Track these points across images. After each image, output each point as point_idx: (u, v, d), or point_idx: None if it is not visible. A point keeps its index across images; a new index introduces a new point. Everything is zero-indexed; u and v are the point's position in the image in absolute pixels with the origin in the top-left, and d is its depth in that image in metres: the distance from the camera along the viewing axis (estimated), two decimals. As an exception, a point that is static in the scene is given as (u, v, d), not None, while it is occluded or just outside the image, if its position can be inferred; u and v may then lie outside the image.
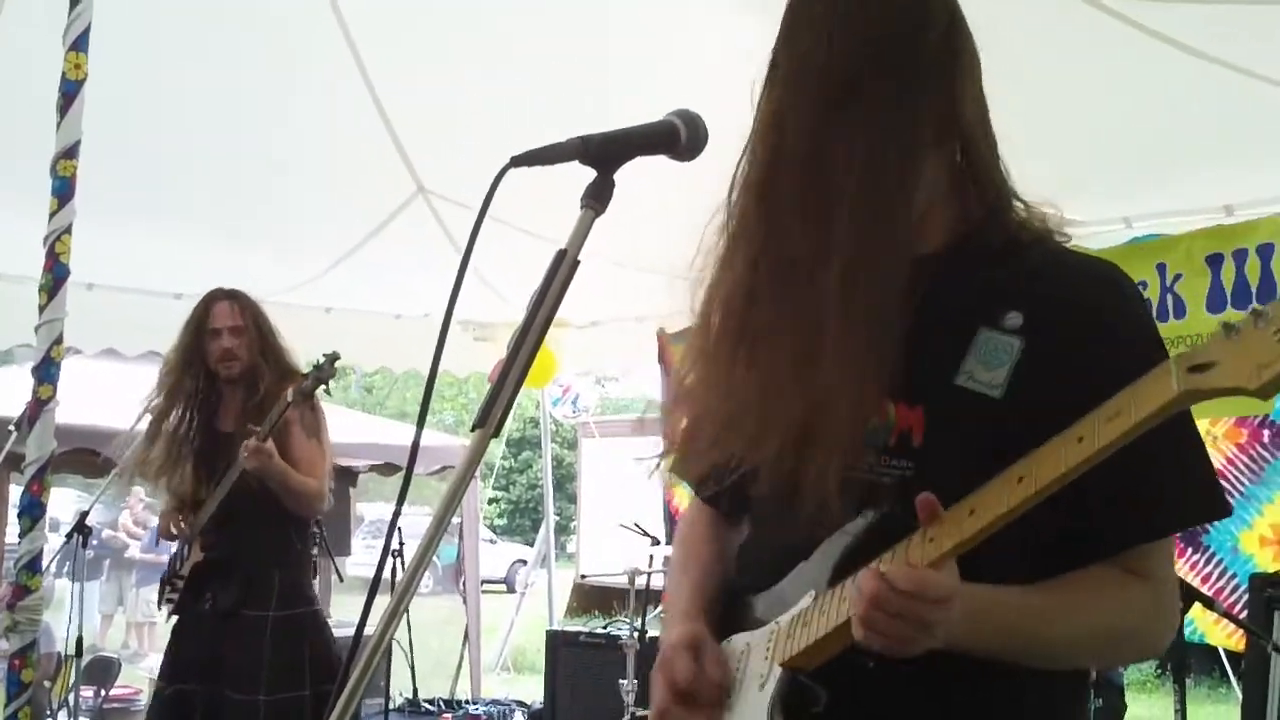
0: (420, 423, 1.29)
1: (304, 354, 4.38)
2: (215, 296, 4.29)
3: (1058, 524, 1.30)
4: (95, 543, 6.93)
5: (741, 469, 1.44)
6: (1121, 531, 1.32)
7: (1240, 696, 4.64)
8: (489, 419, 1.19)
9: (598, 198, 1.32)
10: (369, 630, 1.23)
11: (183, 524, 4.27)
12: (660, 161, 1.40)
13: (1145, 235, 4.93)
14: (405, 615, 1.16)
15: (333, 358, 4.09)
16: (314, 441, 4.22)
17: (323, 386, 4.10)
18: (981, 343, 1.35)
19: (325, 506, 4.33)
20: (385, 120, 5.05)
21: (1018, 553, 1.31)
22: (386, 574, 1.45)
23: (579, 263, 1.28)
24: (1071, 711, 1.43)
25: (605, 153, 1.33)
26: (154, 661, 5.95)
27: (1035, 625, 1.30)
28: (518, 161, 1.29)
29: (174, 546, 4.48)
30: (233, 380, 4.23)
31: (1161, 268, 4.73)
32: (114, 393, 5.56)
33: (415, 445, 1.31)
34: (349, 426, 9.38)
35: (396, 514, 1.26)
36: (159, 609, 4.56)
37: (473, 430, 1.21)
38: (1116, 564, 1.33)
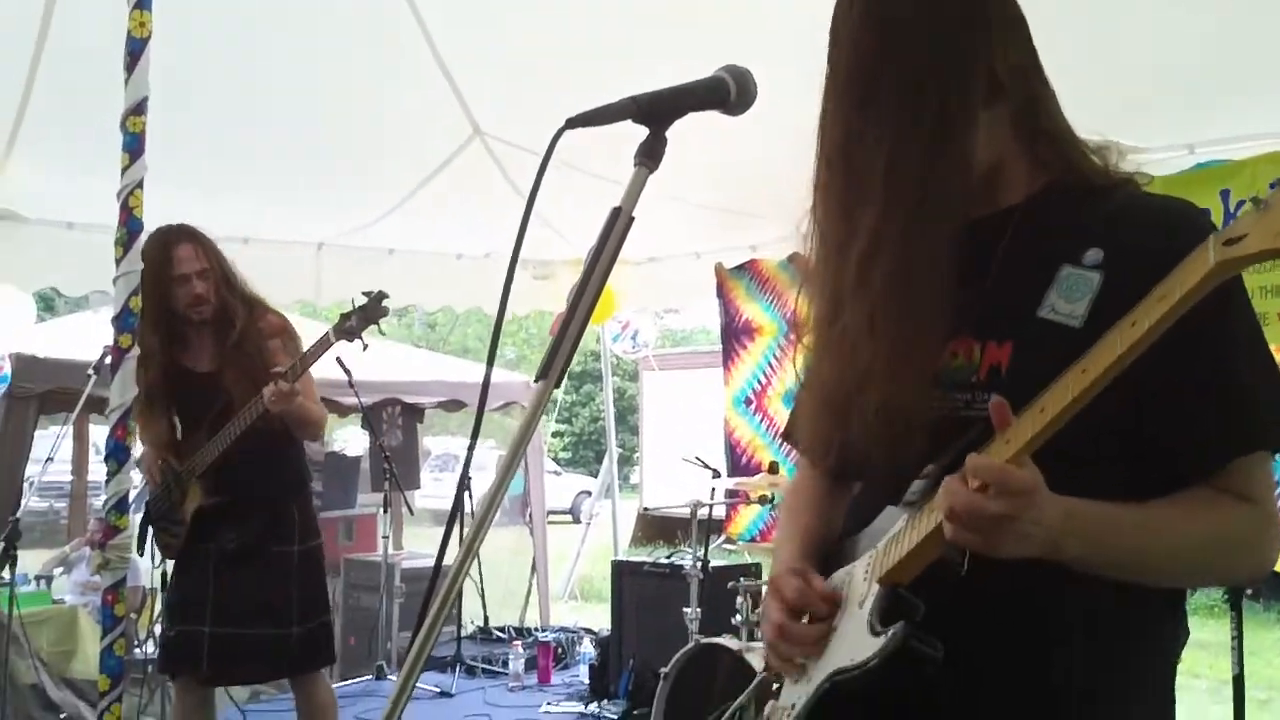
0: (489, 365, 1.36)
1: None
2: (172, 241, 4.00)
3: (1156, 449, 1.37)
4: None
5: (841, 439, 1.54)
6: (1217, 447, 1.36)
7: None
8: (550, 371, 1.26)
9: (651, 155, 1.36)
10: (447, 561, 1.33)
11: (176, 466, 4.14)
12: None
13: (1209, 161, 4.84)
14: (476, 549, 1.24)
15: (378, 296, 3.92)
16: None
17: (374, 325, 3.95)
18: (1063, 278, 1.41)
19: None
20: (441, 64, 5.08)
21: (1119, 476, 1.36)
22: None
23: (634, 219, 1.33)
24: (1162, 629, 1.46)
25: (656, 111, 1.37)
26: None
27: (1141, 536, 1.33)
28: (573, 123, 1.33)
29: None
30: (203, 322, 4.08)
31: (1225, 194, 4.66)
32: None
33: (485, 388, 1.38)
34: (415, 364, 9.56)
35: (470, 451, 1.33)
36: (140, 554, 4.22)
37: (536, 381, 1.28)
38: (1217, 486, 1.37)
